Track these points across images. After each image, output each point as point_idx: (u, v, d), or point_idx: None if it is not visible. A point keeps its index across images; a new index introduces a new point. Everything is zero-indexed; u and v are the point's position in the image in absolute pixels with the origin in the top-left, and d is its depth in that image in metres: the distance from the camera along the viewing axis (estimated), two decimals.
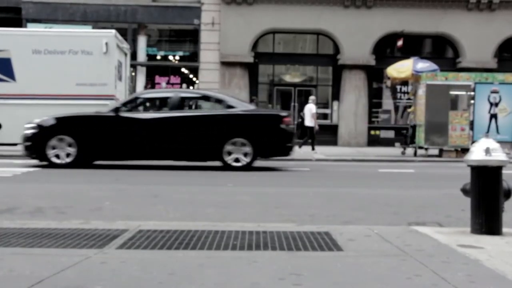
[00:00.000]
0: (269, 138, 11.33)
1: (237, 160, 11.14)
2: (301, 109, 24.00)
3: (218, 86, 23.04)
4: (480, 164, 4.26)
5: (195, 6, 23.09)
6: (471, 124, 17.00)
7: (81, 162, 11.15)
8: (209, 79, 23.10)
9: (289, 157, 12.27)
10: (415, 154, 17.47)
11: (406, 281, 2.97)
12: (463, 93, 17.33)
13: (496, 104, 17.20)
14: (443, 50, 24.27)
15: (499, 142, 4.72)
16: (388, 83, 23.52)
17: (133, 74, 22.52)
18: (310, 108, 18.84)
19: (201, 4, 23.07)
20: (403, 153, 17.76)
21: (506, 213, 4.43)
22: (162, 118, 11.42)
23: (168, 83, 23.76)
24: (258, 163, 11.64)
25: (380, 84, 24.46)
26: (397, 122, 24.05)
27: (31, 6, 22.74)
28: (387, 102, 24.30)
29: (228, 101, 11.74)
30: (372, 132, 23.66)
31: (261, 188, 8.46)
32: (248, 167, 11.07)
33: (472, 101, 17.07)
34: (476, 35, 22.87)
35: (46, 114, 11.68)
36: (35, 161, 11.56)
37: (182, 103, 11.77)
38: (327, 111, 24.19)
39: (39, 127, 11.31)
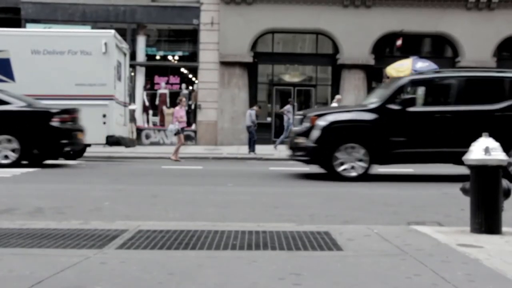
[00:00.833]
0: (37, 136, 11.45)
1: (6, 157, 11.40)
2: (300, 108, 24.02)
3: (217, 86, 23.06)
4: (480, 163, 4.26)
5: (194, 6, 23.09)
6: None
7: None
8: (208, 79, 23.11)
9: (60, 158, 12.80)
10: None
11: (405, 280, 2.97)
12: None
13: None
14: (442, 50, 24.28)
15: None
16: (388, 82, 23.51)
17: (132, 74, 22.51)
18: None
19: (200, 4, 23.06)
20: None
21: (506, 212, 4.43)
22: None
23: (167, 83, 23.76)
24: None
25: (379, 83, 24.47)
26: None
27: (30, 6, 22.72)
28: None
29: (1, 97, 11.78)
30: None
31: (260, 188, 8.46)
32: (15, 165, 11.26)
33: None
34: (475, 35, 22.88)
35: None
36: (34, 162, 11.53)
37: None
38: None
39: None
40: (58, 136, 11.53)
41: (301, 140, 9.93)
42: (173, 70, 24.04)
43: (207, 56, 23.09)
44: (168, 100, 23.50)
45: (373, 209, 6.37)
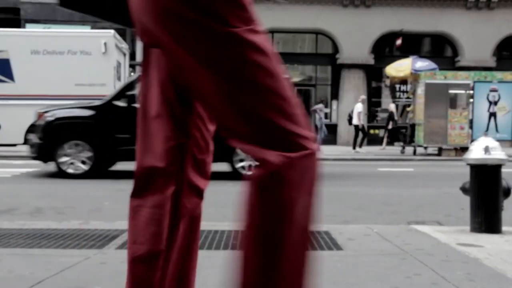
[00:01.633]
0: None
1: None
2: None
3: None
4: (479, 162, 4.26)
5: None
6: (470, 123, 17.02)
7: None
8: None
9: None
10: (414, 153, 17.48)
11: (405, 280, 2.97)
12: (462, 92, 17.35)
13: (495, 103, 17.22)
14: (442, 49, 24.29)
15: (498, 140, 4.72)
16: (387, 82, 23.55)
17: (132, 74, 22.50)
18: (357, 108, 18.98)
19: None
20: (402, 152, 17.77)
21: (506, 211, 4.43)
22: None
23: None
24: None
25: (379, 83, 24.49)
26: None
27: (29, 6, 22.72)
28: (386, 101, 24.30)
29: None
30: (372, 131, 23.66)
31: None
32: None
33: (471, 100, 17.08)
34: (475, 34, 22.89)
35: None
36: (34, 162, 11.53)
37: None
38: (326, 110, 24.19)
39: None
40: None
41: (31, 137, 10.11)
42: None
43: None
44: None
45: (373, 208, 6.37)
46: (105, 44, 14.73)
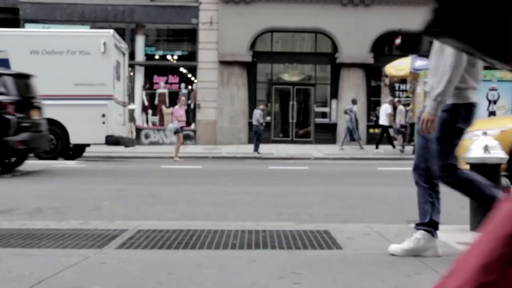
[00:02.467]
0: None
1: None
2: (299, 107, 24.03)
3: (216, 86, 23.04)
4: (479, 161, 4.26)
5: (193, 5, 23.08)
6: None
7: None
8: (207, 78, 23.10)
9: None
10: (413, 152, 17.48)
11: (405, 279, 2.97)
12: None
13: (495, 102, 17.22)
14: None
15: None
16: (387, 81, 23.54)
17: (132, 74, 22.49)
18: (386, 108, 18.94)
19: (199, 3, 23.05)
20: (401, 151, 17.78)
21: None
22: None
23: (166, 82, 23.75)
24: None
25: (378, 82, 24.47)
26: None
27: (28, 6, 22.70)
28: (386, 101, 24.27)
29: None
30: (371, 130, 23.65)
31: (260, 187, 8.45)
32: None
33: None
34: None
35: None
36: (34, 162, 11.54)
37: None
38: (326, 109, 24.19)
39: None
40: None
41: None
42: (172, 70, 24.02)
43: (206, 56, 23.08)
44: (167, 99, 23.48)
45: (372, 207, 6.37)
46: (104, 44, 14.71)
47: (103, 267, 3.22)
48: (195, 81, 23.82)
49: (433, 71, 3.42)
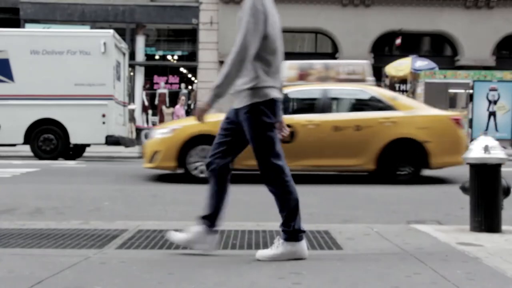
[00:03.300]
0: None
1: None
2: None
3: None
4: (479, 162, 4.27)
5: (193, 5, 23.08)
6: (470, 122, 17.02)
7: None
8: (207, 78, 23.08)
9: None
10: None
11: (405, 279, 2.97)
12: (462, 91, 17.37)
13: (495, 102, 17.23)
14: (441, 48, 24.28)
15: (498, 139, 4.72)
16: (387, 81, 23.52)
17: (132, 74, 22.50)
18: None
19: (199, 3, 23.06)
20: None
21: (505, 210, 4.43)
22: None
23: (166, 82, 23.75)
24: None
25: (378, 82, 24.43)
26: None
27: (29, 6, 22.71)
28: None
29: None
30: None
31: (260, 187, 8.44)
32: None
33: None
34: (474, 33, 22.88)
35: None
36: (34, 162, 11.55)
37: None
38: None
39: None
40: None
41: None
42: (173, 70, 24.03)
43: (207, 56, 23.08)
44: (167, 99, 23.48)
45: (372, 208, 6.37)
46: (104, 44, 14.71)
47: (103, 267, 3.22)
48: (195, 81, 23.82)
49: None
